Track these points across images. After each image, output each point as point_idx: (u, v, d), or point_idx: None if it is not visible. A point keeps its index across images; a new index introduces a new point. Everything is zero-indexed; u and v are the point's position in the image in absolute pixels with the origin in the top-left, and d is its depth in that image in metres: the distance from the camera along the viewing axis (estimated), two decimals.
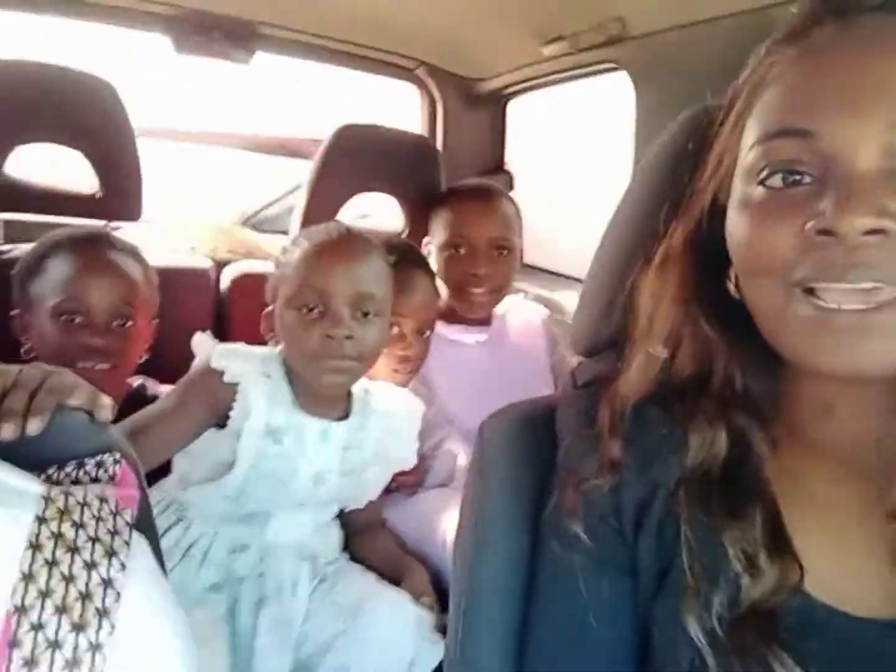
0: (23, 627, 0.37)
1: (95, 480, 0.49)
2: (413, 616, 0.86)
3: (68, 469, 0.50)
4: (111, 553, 0.42)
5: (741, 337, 0.54)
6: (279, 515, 0.98)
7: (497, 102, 1.83)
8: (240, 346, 0.99)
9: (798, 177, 0.46)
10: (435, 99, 1.88)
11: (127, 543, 0.43)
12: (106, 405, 0.58)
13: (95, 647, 0.39)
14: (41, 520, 0.42)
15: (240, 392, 0.92)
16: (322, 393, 0.98)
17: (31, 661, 0.37)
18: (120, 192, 1.37)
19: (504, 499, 0.66)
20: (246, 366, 0.94)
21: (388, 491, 1.18)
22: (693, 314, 0.55)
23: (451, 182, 1.56)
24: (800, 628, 0.46)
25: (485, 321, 1.41)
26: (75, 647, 0.38)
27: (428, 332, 1.25)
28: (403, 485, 1.19)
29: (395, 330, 1.18)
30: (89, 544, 0.42)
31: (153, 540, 0.51)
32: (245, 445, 0.92)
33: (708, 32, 1.13)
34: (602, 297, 0.70)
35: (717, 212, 0.54)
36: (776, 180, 0.47)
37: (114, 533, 0.43)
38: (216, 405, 0.93)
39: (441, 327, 1.33)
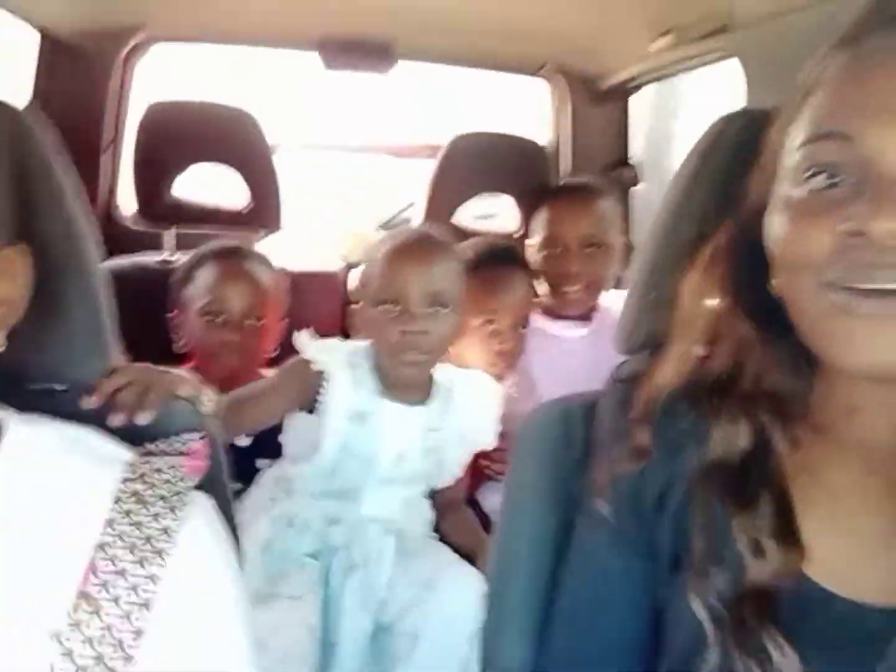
0: (100, 558, 0.50)
1: (181, 454, 0.62)
2: (480, 592, 0.93)
3: (161, 444, 0.64)
4: (172, 508, 0.54)
5: (778, 337, 0.55)
6: (369, 492, 1.09)
7: (619, 97, 1.83)
8: (331, 341, 1.12)
9: (837, 179, 0.47)
10: (562, 96, 1.92)
11: (185, 503, 0.55)
12: (208, 398, 0.73)
13: (151, 577, 0.51)
14: (126, 480, 0.55)
15: (326, 379, 1.05)
16: (401, 382, 1.09)
17: (103, 585, 0.50)
18: (262, 207, 1.57)
19: (538, 482, 0.73)
20: (333, 356, 1.07)
21: (487, 478, 1.26)
22: (732, 314, 0.57)
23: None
24: (803, 612, 0.49)
25: (586, 316, 1.43)
26: (136, 575, 0.50)
27: (522, 328, 1.31)
28: (500, 472, 1.26)
29: (492, 326, 1.25)
30: (157, 500, 0.54)
31: (223, 501, 0.63)
32: (330, 426, 1.04)
33: (817, 16, 1.08)
34: (645, 298, 0.73)
35: (762, 212, 0.55)
36: (818, 182, 0.48)
37: (177, 493, 0.55)
38: (305, 390, 1.06)
39: (543, 322, 1.38)
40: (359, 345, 1.12)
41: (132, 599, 0.50)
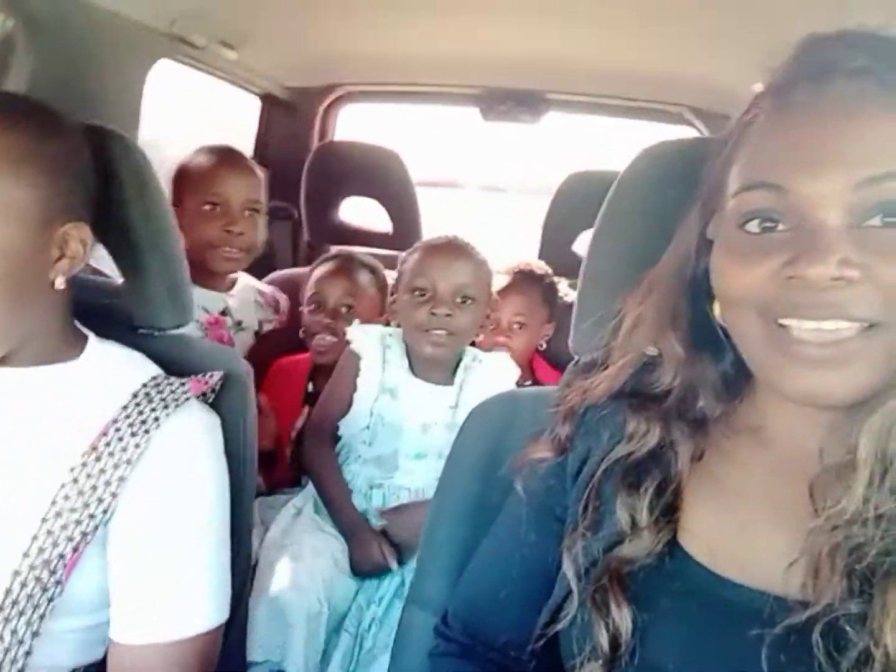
0: (111, 427, 0.76)
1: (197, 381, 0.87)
2: None
3: (198, 375, 0.89)
4: (166, 406, 0.79)
5: (710, 358, 0.64)
6: (402, 462, 1.27)
7: None
8: (369, 326, 1.36)
9: (774, 224, 0.52)
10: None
11: (179, 405, 0.79)
12: None
13: (136, 445, 0.75)
14: (145, 385, 0.81)
15: (360, 357, 1.29)
16: (427, 361, 1.28)
17: (107, 444, 0.75)
18: (405, 231, 1.84)
19: (470, 459, 0.86)
20: (367, 338, 1.30)
21: None
22: (668, 336, 0.65)
23: None
24: (683, 590, 0.57)
25: None
26: (129, 442, 0.75)
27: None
28: None
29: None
30: (160, 401, 0.79)
31: (226, 421, 0.85)
32: (361, 398, 1.27)
33: None
34: (594, 305, 0.82)
35: (704, 244, 0.61)
36: (754, 226, 0.53)
37: (175, 399, 0.80)
38: (352, 370, 1.30)
39: None
40: (392, 329, 1.35)
41: (122, 457, 0.75)
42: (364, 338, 1.32)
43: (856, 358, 0.50)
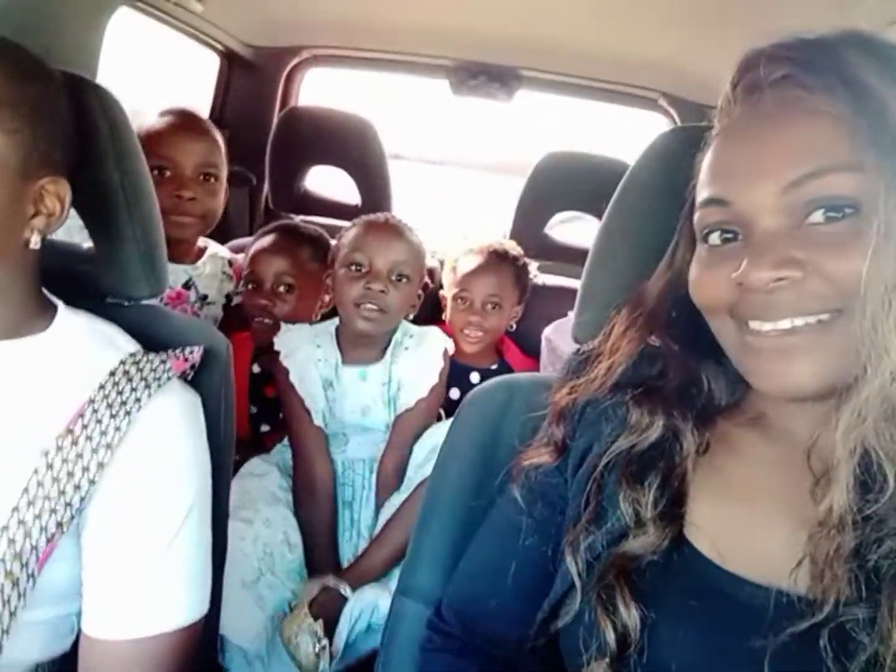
0: (88, 409, 0.70)
1: (177, 358, 0.81)
2: None
3: (176, 350, 0.83)
4: (148, 386, 0.73)
5: (705, 356, 0.64)
6: (352, 437, 1.30)
7: None
8: (296, 327, 1.35)
9: (730, 234, 0.56)
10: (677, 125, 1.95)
11: (161, 385, 0.74)
12: None
13: (118, 428, 0.69)
14: (123, 362, 0.74)
15: (293, 362, 1.29)
16: (358, 341, 1.30)
17: (84, 426, 0.69)
18: (375, 204, 1.78)
19: (467, 447, 0.83)
20: (295, 344, 1.30)
21: None
22: (664, 337, 0.66)
23: None
24: (692, 586, 0.56)
25: None
26: (108, 425, 0.69)
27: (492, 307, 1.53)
28: None
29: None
30: (140, 380, 0.73)
31: (206, 399, 0.80)
32: (308, 397, 1.28)
33: None
34: (597, 296, 0.81)
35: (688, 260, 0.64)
36: (714, 238, 0.57)
37: (157, 378, 0.74)
38: (291, 385, 1.29)
39: None
40: (323, 326, 1.35)
41: (101, 441, 0.69)
42: (291, 345, 1.32)
43: (816, 346, 0.52)
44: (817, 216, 0.51)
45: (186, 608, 0.72)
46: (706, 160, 0.59)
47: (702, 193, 0.58)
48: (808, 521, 0.52)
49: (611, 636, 0.55)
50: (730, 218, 0.55)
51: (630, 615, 0.55)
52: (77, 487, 0.67)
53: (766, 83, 0.55)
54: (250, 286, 1.46)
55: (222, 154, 1.48)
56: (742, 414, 0.63)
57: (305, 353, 1.31)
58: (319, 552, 1.21)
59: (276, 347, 1.32)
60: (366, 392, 1.31)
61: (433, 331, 1.40)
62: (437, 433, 1.25)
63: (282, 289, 1.44)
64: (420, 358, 1.32)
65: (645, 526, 0.58)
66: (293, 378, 1.29)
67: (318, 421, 1.28)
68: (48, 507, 0.66)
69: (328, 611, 1.10)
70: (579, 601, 0.59)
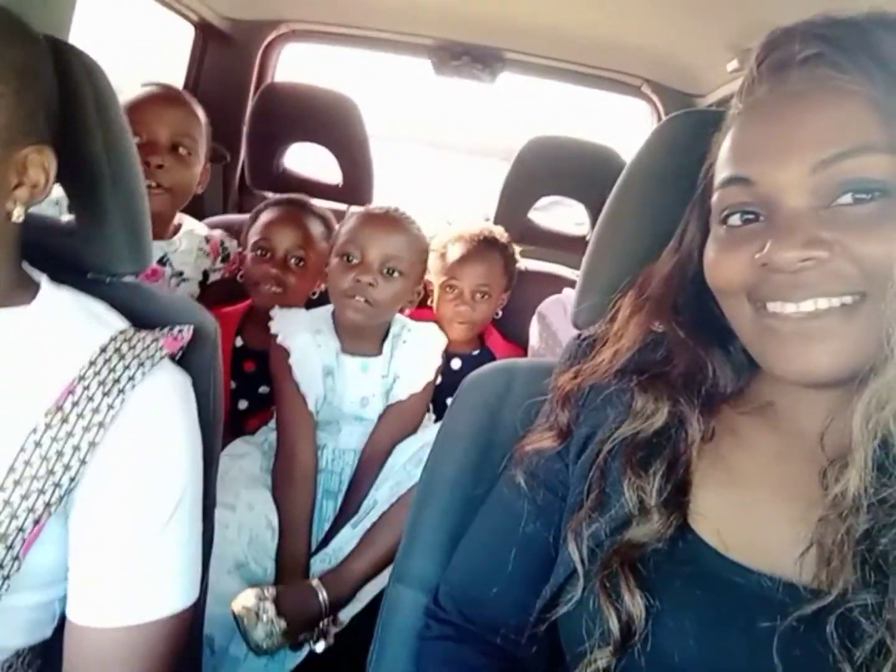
0: (78, 385, 0.67)
1: (168, 336, 0.78)
2: None
3: (164, 329, 0.80)
4: (141, 364, 0.70)
5: (713, 343, 0.63)
6: (345, 426, 1.29)
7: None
8: (291, 311, 1.33)
9: (751, 216, 0.55)
10: (661, 114, 1.96)
11: (154, 364, 0.71)
12: None
13: (110, 406, 0.66)
14: (113, 339, 0.71)
15: (294, 345, 1.27)
16: (353, 332, 1.28)
17: (74, 403, 0.66)
18: (356, 184, 1.75)
19: (465, 431, 0.81)
20: (293, 327, 1.28)
21: None
22: (670, 323, 0.65)
23: None
24: (695, 574, 0.56)
25: None
26: (101, 403, 0.66)
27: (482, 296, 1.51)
28: None
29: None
30: (132, 358, 0.70)
31: (195, 380, 0.77)
32: (305, 381, 1.26)
33: None
34: (598, 283, 0.79)
35: (699, 245, 0.63)
36: (735, 219, 0.56)
37: (150, 357, 0.71)
38: (286, 366, 1.27)
39: None
40: (322, 312, 1.33)
41: (93, 419, 0.66)
42: (289, 328, 1.29)
43: (838, 331, 0.51)
44: (846, 198, 0.51)
45: (177, 595, 0.70)
46: (727, 140, 0.58)
47: (722, 173, 0.57)
48: (815, 509, 0.52)
49: (615, 624, 0.55)
50: (753, 198, 0.54)
51: (635, 603, 0.55)
52: (67, 467, 0.64)
53: (795, 61, 0.54)
54: (260, 253, 1.45)
55: (201, 129, 1.44)
56: (748, 402, 0.63)
57: (304, 337, 1.28)
58: (291, 539, 1.19)
59: (273, 330, 1.30)
60: (366, 383, 1.30)
61: (431, 327, 1.39)
62: (427, 435, 1.24)
63: (293, 261, 1.44)
64: (418, 353, 1.31)
65: (649, 513, 0.58)
66: (292, 361, 1.26)
67: (311, 406, 1.26)
68: (36, 487, 0.63)
69: (293, 604, 1.08)
70: (581, 588, 0.59)
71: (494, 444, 0.78)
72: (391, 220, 1.28)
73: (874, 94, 0.50)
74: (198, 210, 1.69)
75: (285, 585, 1.11)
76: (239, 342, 1.47)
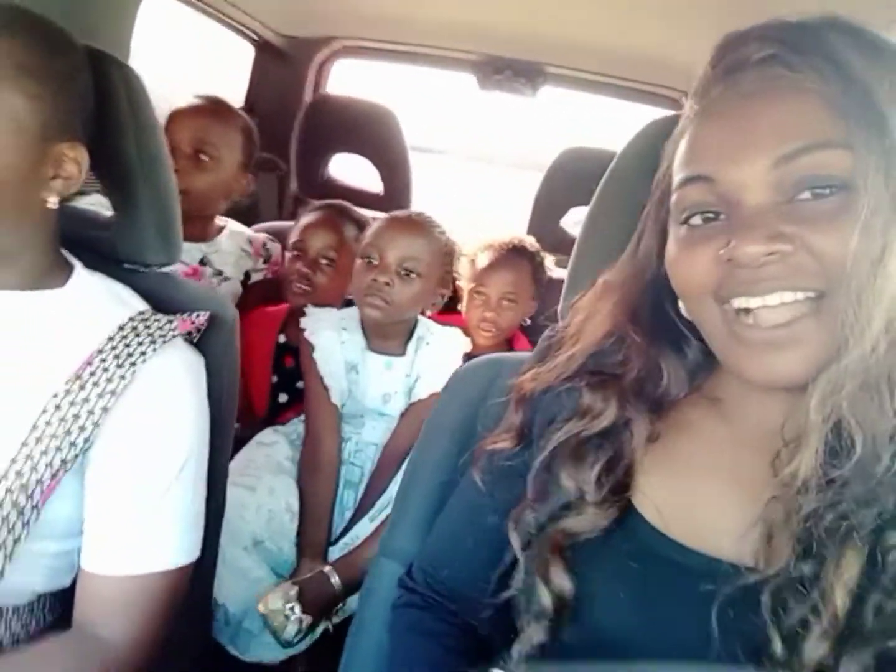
0: (96, 358, 0.75)
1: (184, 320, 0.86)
2: None
3: (184, 315, 0.87)
4: (153, 341, 0.78)
5: (668, 347, 0.65)
6: (369, 420, 1.35)
7: None
8: (322, 310, 1.40)
9: (712, 215, 0.55)
10: None
11: (166, 342, 0.78)
12: None
13: (122, 377, 0.74)
14: (132, 318, 0.80)
15: (318, 339, 1.35)
16: (376, 331, 1.35)
17: (92, 373, 0.74)
18: (396, 193, 1.82)
19: (450, 422, 0.86)
20: (321, 324, 1.35)
21: None
22: (626, 328, 0.65)
23: None
24: (633, 551, 0.58)
25: None
26: (114, 374, 0.74)
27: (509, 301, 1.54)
28: None
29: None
30: (147, 336, 0.78)
31: (209, 362, 0.85)
32: (328, 375, 1.33)
33: None
34: (584, 280, 0.82)
35: (658, 247, 0.63)
36: (696, 219, 0.56)
37: (163, 335, 0.79)
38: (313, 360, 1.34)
39: None
40: (350, 311, 1.40)
41: (106, 387, 0.74)
42: (316, 324, 1.37)
43: (808, 337, 0.52)
44: (806, 193, 0.52)
45: (178, 551, 0.77)
46: (684, 141, 0.59)
47: (680, 173, 0.58)
48: (763, 493, 0.53)
49: (546, 601, 0.58)
50: (713, 197, 0.55)
51: (564, 584, 0.58)
52: (82, 429, 0.72)
53: (749, 63, 0.55)
54: (295, 253, 1.53)
55: (227, 135, 1.51)
56: (701, 395, 0.64)
57: (328, 334, 1.36)
58: (312, 526, 1.25)
59: (302, 325, 1.37)
60: (389, 381, 1.36)
61: (454, 332, 1.43)
62: None
63: (323, 261, 1.51)
64: (439, 355, 1.36)
65: (585, 505, 0.60)
66: (316, 354, 1.34)
67: (335, 399, 1.32)
68: (54, 445, 0.71)
69: (314, 596, 1.14)
70: (523, 572, 0.62)
71: (474, 434, 0.82)
72: (411, 223, 1.34)
73: (828, 93, 0.51)
74: (252, 218, 1.80)
75: (303, 579, 1.16)
76: (282, 339, 1.56)
